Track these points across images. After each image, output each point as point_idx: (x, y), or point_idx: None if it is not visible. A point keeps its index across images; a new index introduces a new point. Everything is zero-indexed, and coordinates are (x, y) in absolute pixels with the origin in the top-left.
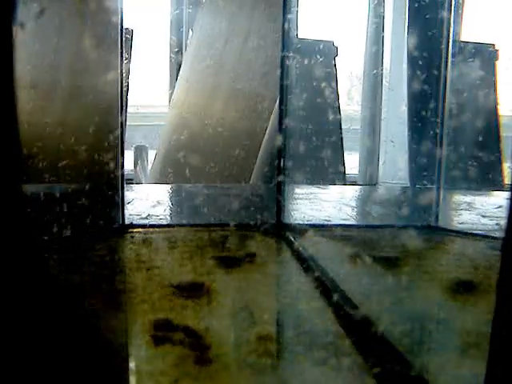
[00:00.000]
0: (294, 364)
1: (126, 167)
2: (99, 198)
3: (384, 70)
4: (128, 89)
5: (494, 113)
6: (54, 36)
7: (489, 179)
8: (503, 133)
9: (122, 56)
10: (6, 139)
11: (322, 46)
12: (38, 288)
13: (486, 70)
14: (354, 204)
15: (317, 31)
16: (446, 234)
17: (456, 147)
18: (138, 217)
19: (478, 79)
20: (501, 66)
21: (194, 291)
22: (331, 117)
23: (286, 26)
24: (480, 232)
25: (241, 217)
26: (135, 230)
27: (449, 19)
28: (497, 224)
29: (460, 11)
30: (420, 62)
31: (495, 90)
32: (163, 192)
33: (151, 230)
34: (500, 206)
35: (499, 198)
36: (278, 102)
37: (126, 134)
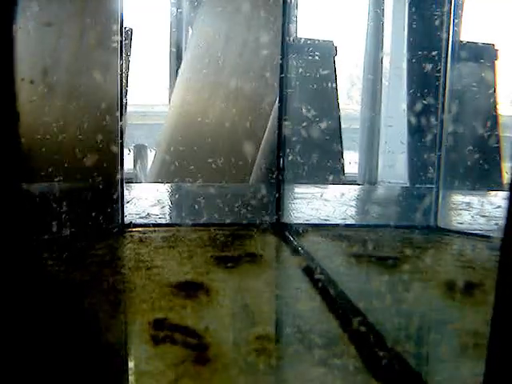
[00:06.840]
0: (293, 363)
1: (125, 166)
2: (99, 197)
3: (384, 70)
4: (128, 88)
5: (493, 112)
6: (54, 35)
7: (488, 179)
8: (502, 133)
9: (121, 55)
10: (6, 138)
11: (321, 46)
12: (37, 286)
13: (486, 69)
14: (352, 203)
15: (316, 31)
16: (445, 233)
17: (455, 147)
18: (138, 216)
19: (477, 79)
20: (500, 65)
21: (193, 291)
22: (331, 116)
23: (286, 25)
24: (479, 232)
25: (240, 216)
26: (135, 230)
27: (449, 19)
28: (495, 224)
29: (460, 11)
30: (420, 62)
31: (494, 90)
32: (162, 191)
33: (151, 229)
34: (499, 206)
35: (498, 198)
36: (277, 101)
37: (126, 133)
